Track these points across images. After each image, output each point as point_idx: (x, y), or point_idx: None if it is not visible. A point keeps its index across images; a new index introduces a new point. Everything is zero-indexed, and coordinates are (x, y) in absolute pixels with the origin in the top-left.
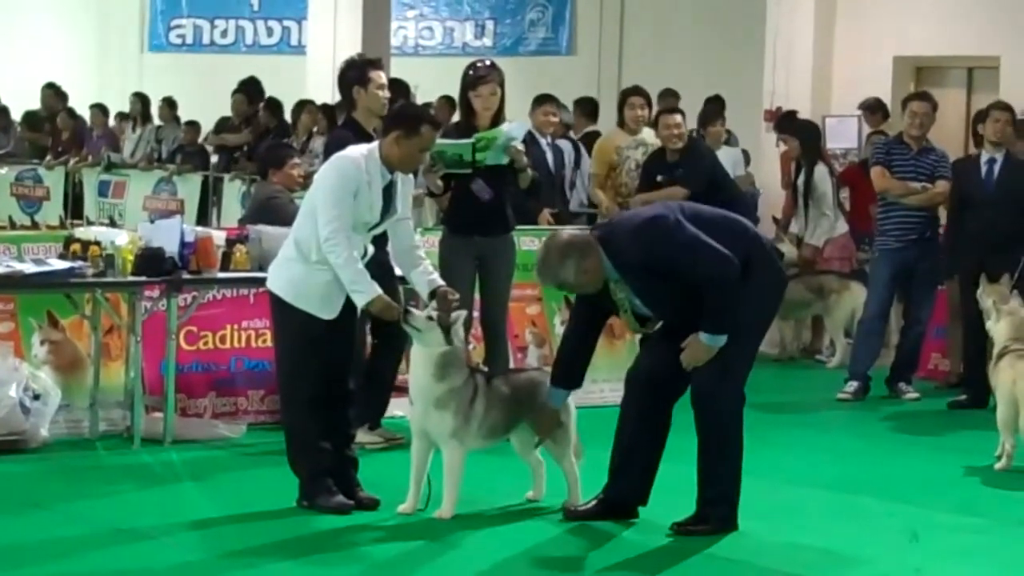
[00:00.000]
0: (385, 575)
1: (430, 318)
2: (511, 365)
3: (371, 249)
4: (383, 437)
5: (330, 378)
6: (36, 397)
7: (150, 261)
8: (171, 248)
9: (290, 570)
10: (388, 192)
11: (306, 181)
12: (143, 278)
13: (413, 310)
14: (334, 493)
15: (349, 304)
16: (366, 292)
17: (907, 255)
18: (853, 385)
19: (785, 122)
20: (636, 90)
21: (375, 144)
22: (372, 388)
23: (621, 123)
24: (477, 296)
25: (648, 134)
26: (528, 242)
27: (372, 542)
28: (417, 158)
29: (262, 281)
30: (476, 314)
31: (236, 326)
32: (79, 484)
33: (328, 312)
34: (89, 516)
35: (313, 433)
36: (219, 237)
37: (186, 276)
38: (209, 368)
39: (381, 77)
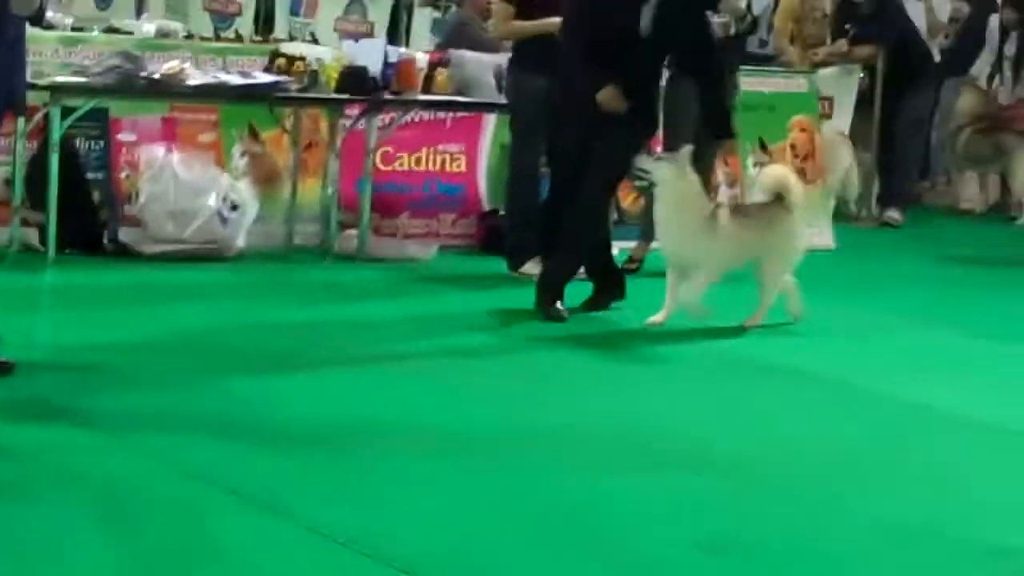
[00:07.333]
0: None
1: (659, 158)
2: None
3: None
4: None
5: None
6: (234, 208)
7: (354, 79)
8: (374, 68)
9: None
10: None
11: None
12: (346, 96)
13: (642, 159)
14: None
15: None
16: None
17: None
18: None
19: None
20: None
21: None
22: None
23: None
24: None
25: None
26: None
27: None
28: None
29: (462, 105)
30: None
31: (432, 149)
32: (272, 294)
33: None
34: (282, 325)
35: None
36: (421, 60)
37: (388, 96)
38: (403, 189)
39: None
